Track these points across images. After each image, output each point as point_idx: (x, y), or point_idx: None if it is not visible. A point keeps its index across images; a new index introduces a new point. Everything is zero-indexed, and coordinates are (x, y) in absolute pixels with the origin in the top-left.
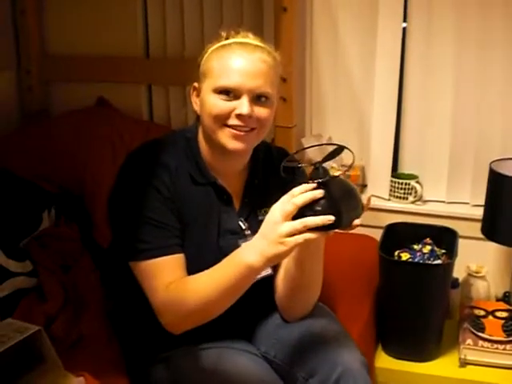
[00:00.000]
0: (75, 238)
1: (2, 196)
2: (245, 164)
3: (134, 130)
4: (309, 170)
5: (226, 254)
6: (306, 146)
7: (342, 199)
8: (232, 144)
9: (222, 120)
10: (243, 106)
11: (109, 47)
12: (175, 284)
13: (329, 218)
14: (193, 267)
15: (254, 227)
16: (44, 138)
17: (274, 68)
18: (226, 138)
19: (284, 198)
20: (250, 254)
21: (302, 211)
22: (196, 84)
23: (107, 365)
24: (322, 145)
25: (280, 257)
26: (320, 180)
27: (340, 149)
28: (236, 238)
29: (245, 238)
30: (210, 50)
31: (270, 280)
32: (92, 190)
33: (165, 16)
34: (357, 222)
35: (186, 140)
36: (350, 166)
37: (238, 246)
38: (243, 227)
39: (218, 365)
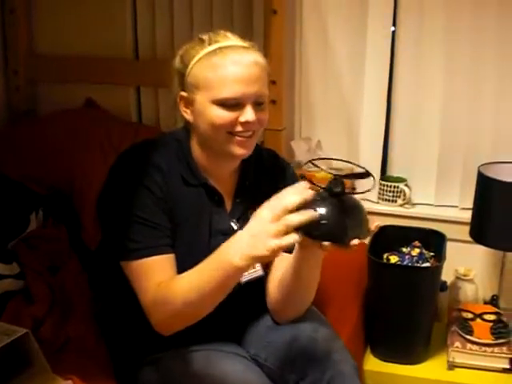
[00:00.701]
0: (63, 239)
1: None
2: (237, 166)
3: (123, 131)
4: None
5: None
6: (332, 157)
7: (348, 216)
8: (239, 151)
9: (227, 129)
10: (248, 113)
11: (98, 48)
12: (164, 284)
13: (315, 215)
14: (184, 268)
15: None
16: (32, 138)
17: (265, 67)
18: (232, 146)
19: (273, 200)
20: (234, 253)
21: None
22: (184, 93)
23: (95, 368)
24: (351, 163)
25: (266, 258)
26: (333, 191)
27: (365, 174)
28: (227, 238)
29: None
30: (196, 59)
31: (260, 281)
32: (80, 191)
33: (154, 17)
34: (355, 241)
35: (177, 142)
36: (368, 191)
37: None
38: (235, 228)
39: (207, 368)
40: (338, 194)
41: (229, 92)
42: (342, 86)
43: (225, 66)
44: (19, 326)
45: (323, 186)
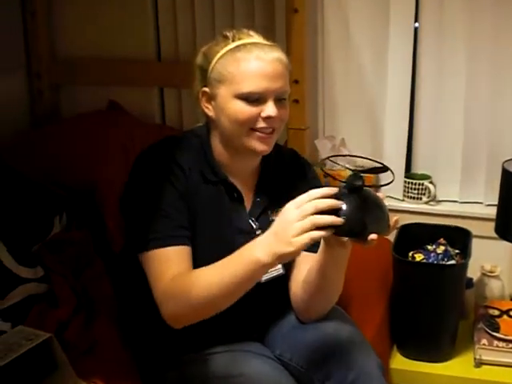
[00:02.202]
0: (86, 242)
1: (14, 200)
2: (257, 164)
3: (146, 133)
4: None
5: None
6: (352, 155)
7: (367, 211)
8: (261, 147)
9: (249, 124)
10: (271, 108)
11: (120, 50)
12: (180, 275)
13: (339, 220)
14: (203, 264)
15: (265, 227)
16: (55, 141)
17: (287, 65)
18: (254, 142)
19: (301, 198)
20: (260, 249)
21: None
22: (206, 89)
23: (120, 371)
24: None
25: (289, 255)
26: (352, 186)
27: (383, 169)
28: (246, 237)
29: (255, 236)
30: (220, 54)
31: (281, 280)
32: (104, 194)
33: (176, 18)
34: (373, 236)
35: (198, 139)
36: (386, 185)
37: None
38: (254, 227)
39: (233, 369)
40: (356, 190)
41: (252, 86)
42: (365, 83)
43: (249, 61)
44: (44, 330)
45: (343, 181)
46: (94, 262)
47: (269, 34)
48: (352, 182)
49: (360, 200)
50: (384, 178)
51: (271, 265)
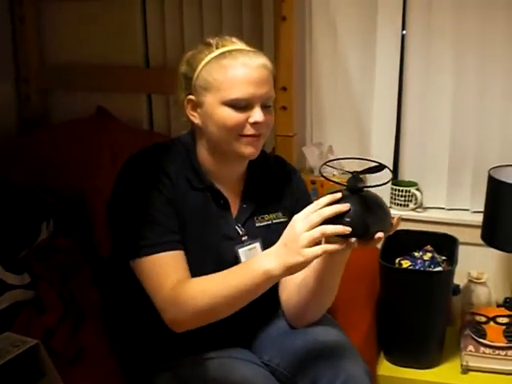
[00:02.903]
0: (73, 249)
1: (1, 206)
2: (243, 170)
3: (134, 139)
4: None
5: (223, 259)
6: (346, 157)
7: (370, 211)
8: (248, 150)
9: (237, 131)
10: (258, 114)
11: (108, 56)
12: (183, 282)
13: (347, 229)
14: (191, 271)
15: (252, 233)
16: (43, 147)
17: (272, 71)
18: (242, 146)
19: (308, 209)
20: (270, 260)
21: (328, 221)
22: (191, 97)
23: (107, 378)
24: (363, 159)
25: (299, 267)
26: (353, 188)
27: (380, 167)
28: (233, 243)
29: (242, 243)
30: (205, 61)
31: (272, 287)
32: (92, 199)
33: (164, 25)
34: (379, 234)
35: (183, 146)
36: (387, 183)
37: (235, 252)
38: (240, 233)
39: (221, 376)
40: (357, 191)
41: (239, 93)
42: (352, 91)
43: (235, 68)
44: (31, 337)
45: (343, 184)
46: (80, 269)
47: (257, 41)
48: (353, 184)
49: (362, 201)
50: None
51: (280, 276)
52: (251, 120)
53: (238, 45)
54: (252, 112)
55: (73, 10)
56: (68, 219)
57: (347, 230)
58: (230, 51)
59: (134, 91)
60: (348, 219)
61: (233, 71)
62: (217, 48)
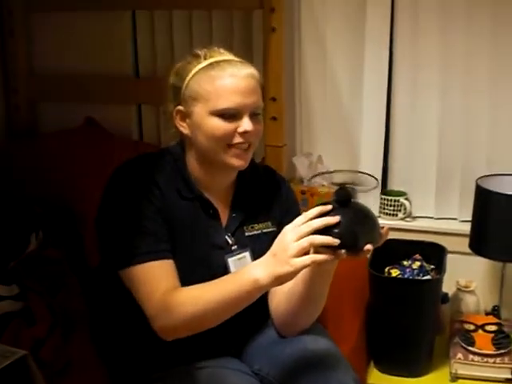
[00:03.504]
0: (62, 260)
1: None
2: (233, 180)
3: (124, 149)
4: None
5: (213, 269)
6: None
7: (359, 223)
8: (237, 162)
9: (226, 140)
10: (246, 123)
11: (98, 67)
12: (174, 291)
13: (336, 241)
14: (182, 281)
15: (241, 242)
16: (32, 157)
17: (260, 80)
18: (231, 158)
19: (298, 220)
20: (259, 270)
21: (317, 233)
22: (180, 107)
23: None
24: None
25: (288, 276)
26: (342, 199)
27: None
28: (223, 252)
29: (231, 253)
30: (193, 72)
31: (262, 296)
32: (81, 210)
33: (154, 35)
34: (368, 246)
35: (173, 156)
36: (372, 189)
37: (224, 261)
38: (230, 242)
39: None
40: (346, 202)
41: (228, 103)
42: (341, 101)
43: (223, 78)
44: (19, 348)
45: (332, 199)
46: (70, 280)
47: (246, 51)
48: (341, 195)
49: (351, 213)
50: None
51: (269, 286)
52: (240, 129)
53: (226, 55)
54: (241, 121)
55: (62, 20)
56: (57, 230)
57: (336, 241)
58: (217, 62)
59: (123, 102)
60: (337, 231)
61: (221, 81)
62: (205, 59)
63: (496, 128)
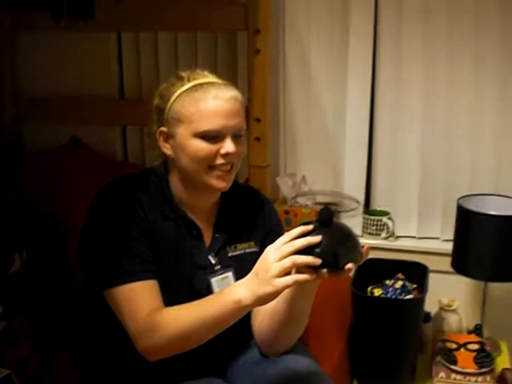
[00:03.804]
0: (46, 280)
1: None
2: (216, 200)
3: (108, 169)
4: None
5: (196, 289)
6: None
7: (341, 243)
8: (220, 184)
9: (208, 162)
10: (229, 145)
11: (83, 87)
12: (157, 311)
13: (317, 260)
14: (165, 301)
15: (224, 262)
16: (16, 177)
17: (243, 102)
18: (213, 179)
19: (281, 240)
20: (242, 290)
21: (299, 252)
22: (164, 128)
23: None
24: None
25: (270, 296)
26: (324, 219)
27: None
28: (206, 272)
29: (215, 273)
30: (177, 94)
31: (245, 316)
32: (66, 230)
33: (139, 56)
34: (349, 265)
35: (157, 177)
36: (353, 210)
37: (207, 281)
38: (213, 262)
39: None
40: (328, 222)
41: (210, 125)
42: (325, 122)
43: (206, 100)
44: (3, 367)
45: (314, 219)
46: (53, 300)
47: (231, 73)
48: (324, 215)
49: (333, 232)
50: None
51: (252, 306)
52: (222, 151)
53: (210, 78)
54: (223, 143)
55: (48, 41)
56: (41, 249)
57: (317, 261)
58: (201, 84)
59: (108, 122)
60: (319, 250)
61: (204, 104)
62: (189, 81)
63: (476, 150)
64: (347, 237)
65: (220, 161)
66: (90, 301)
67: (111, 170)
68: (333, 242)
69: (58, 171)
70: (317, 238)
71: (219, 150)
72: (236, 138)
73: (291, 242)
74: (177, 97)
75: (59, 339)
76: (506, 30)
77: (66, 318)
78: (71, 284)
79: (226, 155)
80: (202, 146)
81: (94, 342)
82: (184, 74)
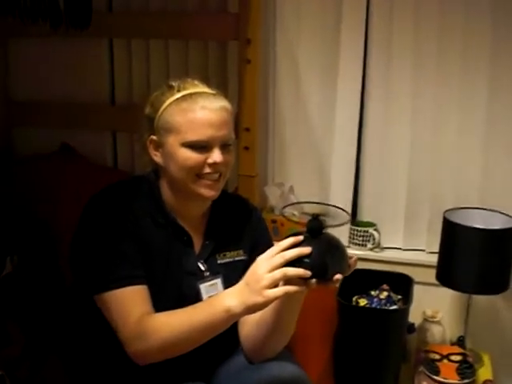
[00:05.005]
0: (37, 283)
1: None
2: (206, 208)
3: (98, 176)
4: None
5: (185, 294)
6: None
7: (330, 254)
8: (208, 193)
9: (195, 171)
10: (216, 155)
11: (74, 93)
12: (148, 316)
13: (308, 273)
14: (153, 306)
15: (213, 269)
16: (6, 182)
17: (231, 112)
18: (201, 188)
19: (272, 250)
20: (232, 299)
21: (290, 263)
22: (154, 137)
23: None
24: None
25: (260, 306)
26: (314, 230)
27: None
28: (195, 279)
29: (203, 279)
30: (166, 104)
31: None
32: (56, 234)
33: (131, 63)
34: (337, 276)
35: (147, 184)
36: (343, 224)
37: (196, 288)
38: (202, 269)
39: None
40: (317, 233)
41: (198, 135)
42: (313, 133)
43: (194, 111)
44: None
45: (303, 230)
46: (44, 303)
47: (222, 82)
48: (313, 226)
49: (322, 243)
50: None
51: (241, 314)
52: (209, 161)
53: (200, 87)
54: (211, 153)
55: (39, 46)
56: (32, 253)
57: (308, 273)
58: (190, 94)
59: (98, 128)
60: (309, 261)
61: (192, 114)
62: (178, 91)
63: (463, 162)
64: (336, 248)
65: (207, 170)
66: (79, 304)
67: (100, 176)
68: (322, 253)
69: (48, 177)
70: (307, 249)
71: (207, 159)
72: (224, 148)
73: (282, 254)
74: (166, 107)
75: (50, 343)
76: (497, 46)
77: (56, 320)
78: (62, 287)
79: (214, 165)
80: (189, 155)
81: (83, 345)
82: (174, 84)
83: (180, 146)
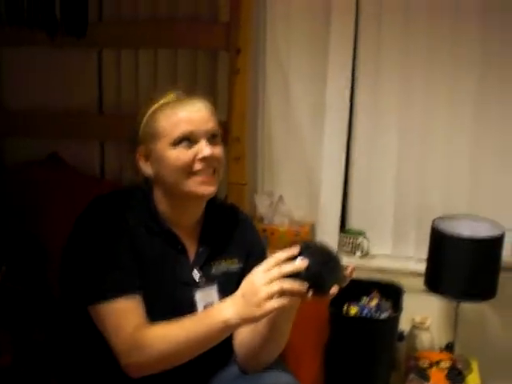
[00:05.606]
0: (27, 294)
1: None
2: (200, 215)
3: (86, 185)
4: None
5: (180, 304)
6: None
7: (326, 266)
8: (205, 190)
9: (187, 169)
10: (204, 148)
11: (63, 103)
12: (143, 327)
13: (305, 287)
14: (148, 315)
15: (208, 278)
16: None
17: (213, 110)
18: (195, 185)
19: (268, 262)
20: (228, 310)
21: (286, 276)
22: (142, 148)
23: None
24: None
25: (256, 319)
26: (309, 243)
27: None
28: (190, 288)
29: (198, 288)
30: (149, 112)
31: None
32: (44, 244)
33: (120, 73)
34: (334, 289)
35: (141, 193)
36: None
37: (191, 296)
38: (197, 278)
39: None
40: (312, 246)
41: (181, 130)
42: (302, 142)
43: (176, 113)
44: None
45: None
46: (33, 313)
47: (211, 91)
48: (308, 242)
49: (319, 256)
50: (319, 232)
51: (237, 326)
52: (199, 156)
53: (180, 95)
54: (199, 148)
55: (29, 56)
56: (21, 263)
57: (305, 287)
58: (173, 101)
59: (87, 138)
60: (305, 274)
61: (175, 116)
62: (160, 100)
63: (451, 170)
64: (332, 260)
65: (199, 166)
66: (71, 316)
67: (88, 186)
68: (319, 265)
69: (36, 186)
70: (304, 263)
71: (196, 155)
72: (211, 140)
73: (279, 268)
74: (149, 115)
75: (40, 353)
76: (486, 59)
77: (45, 331)
78: (50, 298)
79: (204, 159)
80: (178, 154)
81: (74, 355)
82: (157, 95)
83: (168, 147)
